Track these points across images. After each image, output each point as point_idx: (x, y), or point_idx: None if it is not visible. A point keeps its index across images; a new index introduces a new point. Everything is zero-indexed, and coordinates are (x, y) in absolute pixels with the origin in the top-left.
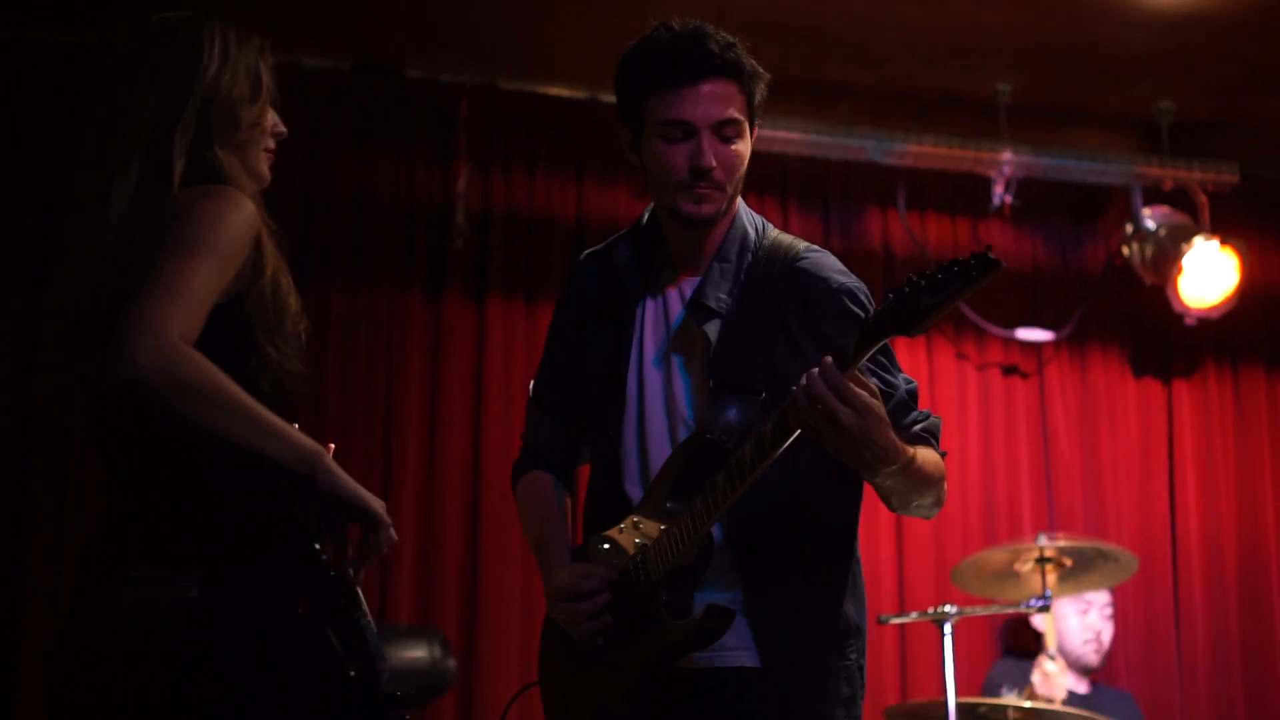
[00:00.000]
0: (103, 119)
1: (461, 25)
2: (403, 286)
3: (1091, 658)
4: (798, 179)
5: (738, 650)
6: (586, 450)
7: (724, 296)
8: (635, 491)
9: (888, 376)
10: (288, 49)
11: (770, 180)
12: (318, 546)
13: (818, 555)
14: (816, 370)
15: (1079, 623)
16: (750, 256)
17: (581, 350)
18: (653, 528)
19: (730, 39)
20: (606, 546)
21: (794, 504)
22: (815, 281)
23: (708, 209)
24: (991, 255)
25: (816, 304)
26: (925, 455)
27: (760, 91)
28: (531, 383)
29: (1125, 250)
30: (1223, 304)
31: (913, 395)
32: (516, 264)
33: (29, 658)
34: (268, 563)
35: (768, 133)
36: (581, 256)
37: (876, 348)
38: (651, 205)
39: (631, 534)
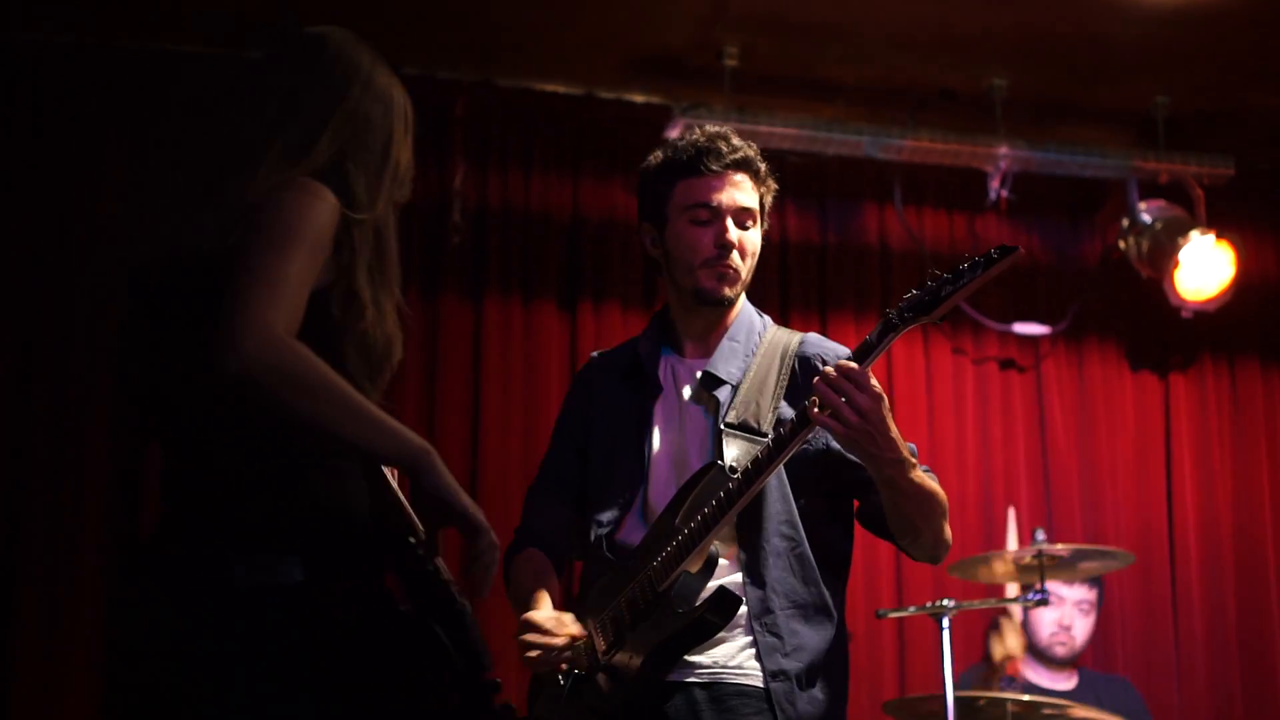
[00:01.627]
0: (236, 107)
1: (457, 22)
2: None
3: (1058, 650)
4: (794, 175)
5: (736, 669)
6: (579, 545)
7: (735, 370)
8: (633, 537)
9: None
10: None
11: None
12: (412, 540)
13: (816, 585)
14: (837, 361)
15: (1049, 616)
16: (758, 339)
17: (594, 431)
18: (660, 543)
19: (749, 143)
20: (616, 576)
21: (797, 535)
22: (823, 352)
23: (726, 288)
24: (1008, 245)
25: (817, 367)
26: (927, 476)
27: (770, 197)
28: (531, 484)
29: (1121, 244)
30: (1219, 297)
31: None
32: (513, 261)
33: (26, 657)
34: (363, 552)
35: (764, 128)
36: (594, 355)
37: (897, 336)
38: (663, 305)
39: (639, 554)
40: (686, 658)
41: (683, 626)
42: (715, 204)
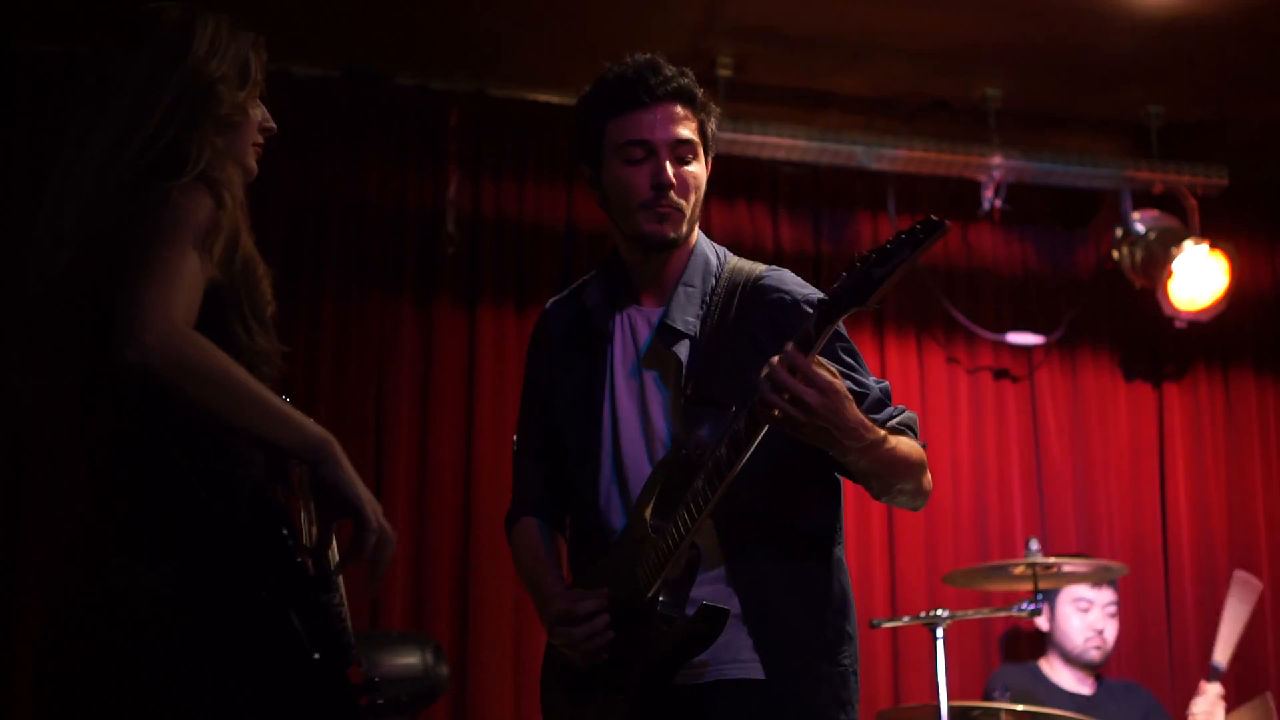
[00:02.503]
0: (82, 99)
1: (451, 32)
2: (393, 294)
3: (1093, 654)
4: (788, 185)
5: (736, 663)
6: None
7: (691, 319)
8: (617, 519)
9: (858, 378)
10: (277, 56)
11: (761, 186)
12: (285, 532)
13: (802, 564)
14: (777, 357)
15: (1080, 621)
16: (714, 281)
17: (556, 393)
18: (639, 548)
19: (683, 68)
20: (598, 575)
21: (776, 515)
22: (780, 295)
23: (669, 229)
24: (935, 218)
25: (782, 316)
26: (901, 440)
27: (712, 122)
28: (514, 438)
29: (1115, 254)
30: (1213, 307)
31: (886, 394)
32: (507, 271)
33: (21, 655)
34: (238, 549)
35: (758, 138)
36: (547, 305)
37: (835, 325)
38: (614, 247)
39: (619, 559)
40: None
41: (675, 642)
42: (649, 140)
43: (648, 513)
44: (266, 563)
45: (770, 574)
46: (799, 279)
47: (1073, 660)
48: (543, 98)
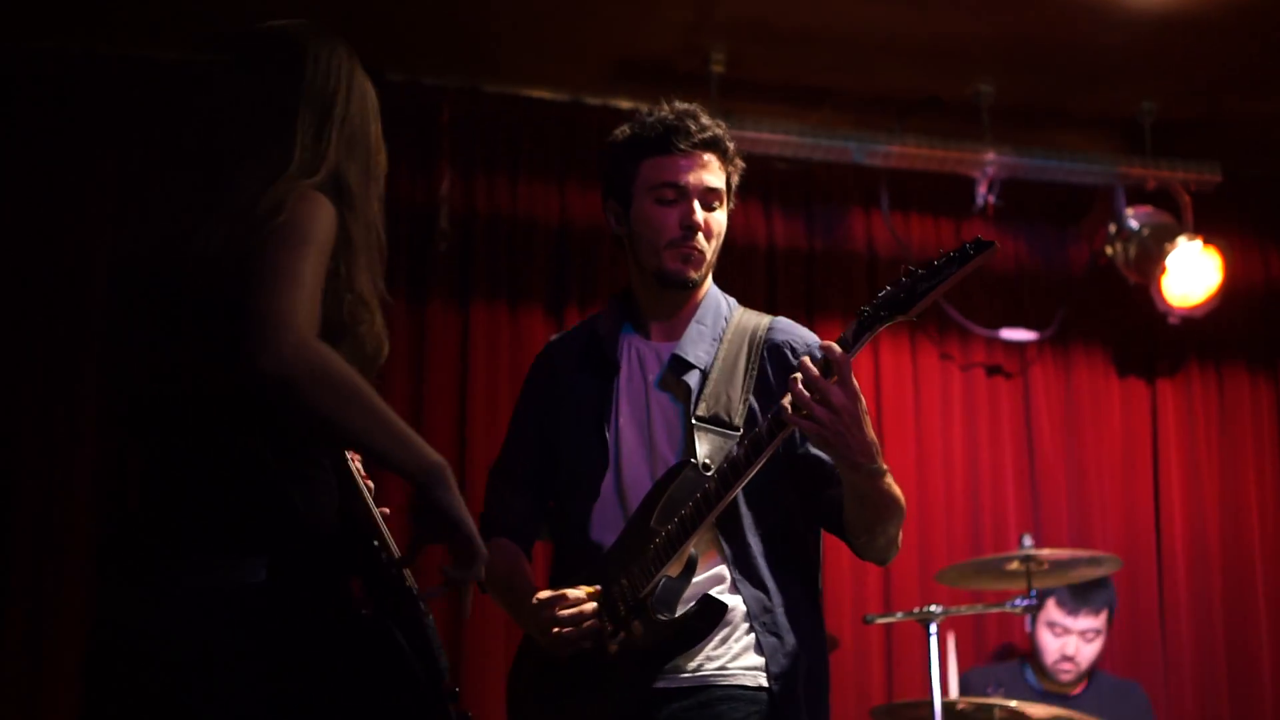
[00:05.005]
0: (198, 112)
1: (443, 29)
2: (387, 291)
3: (1063, 676)
4: (780, 181)
5: (742, 670)
6: (545, 528)
7: (703, 354)
8: (606, 536)
9: None
10: None
11: (753, 183)
12: (375, 544)
13: (802, 585)
14: (809, 356)
15: (1054, 644)
16: (724, 323)
17: (560, 419)
18: (636, 548)
19: (718, 120)
20: (589, 576)
21: (779, 535)
22: (792, 339)
23: (691, 270)
24: (983, 239)
25: (790, 357)
26: (894, 482)
27: (737, 176)
28: (493, 466)
29: (1109, 250)
30: (1206, 303)
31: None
32: (500, 267)
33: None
34: (328, 554)
35: (750, 134)
36: (551, 340)
37: (874, 333)
38: (625, 287)
39: (613, 560)
40: (673, 663)
41: (668, 635)
42: (682, 184)
43: (649, 517)
44: (366, 574)
45: (772, 589)
46: (805, 328)
47: (1046, 674)
48: (535, 94)
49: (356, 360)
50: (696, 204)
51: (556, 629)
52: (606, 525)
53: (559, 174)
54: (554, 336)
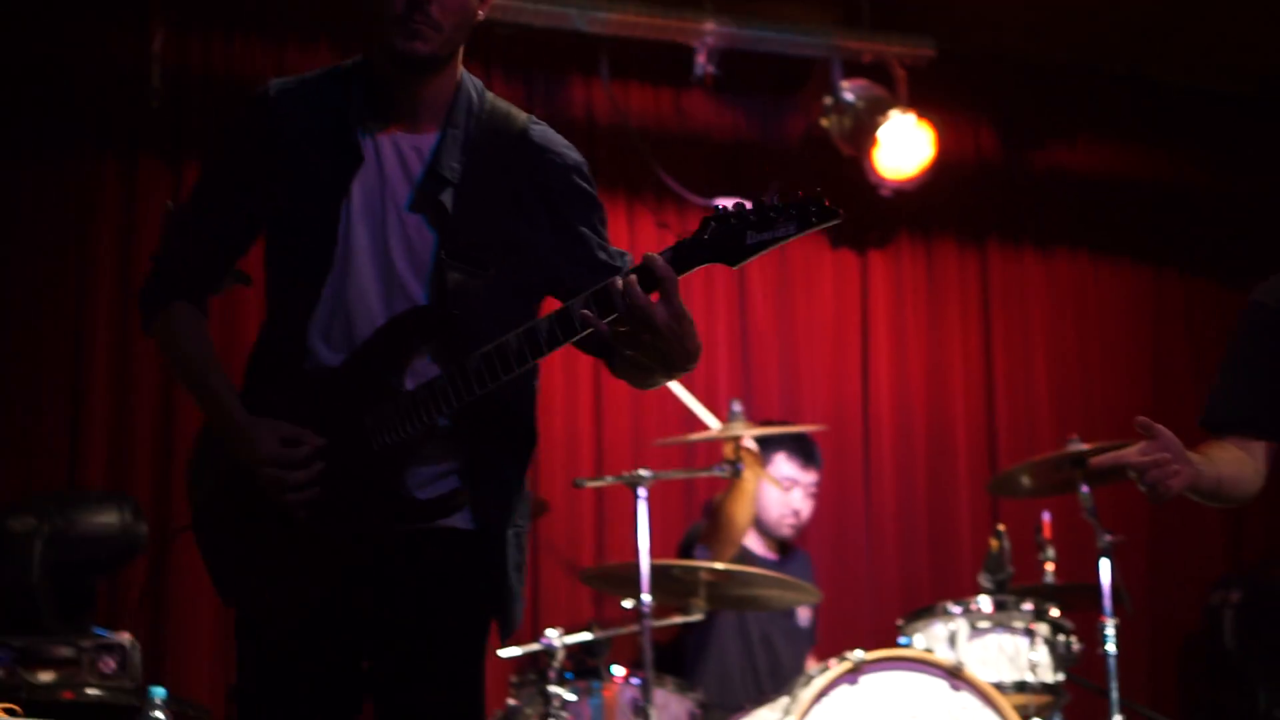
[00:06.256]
0: None
1: None
2: (96, 149)
3: (785, 531)
4: (501, 46)
5: (453, 520)
6: (227, 282)
7: (456, 165)
8: (322, 346)
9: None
10: None
11: (474, 48)
12: None
13: (516, 437)
14: (623, 280)
15: (779, 497)
16: (474, 121)
17: (271, 194)
18: (370, 398)
19: None
20: (304, 412)
21: (509, 390)
22: (550, 156)
23: (421, 47)
24: (831, 205)
25: (549, 179)
26: None
27: None
28: (176, 201)
29: (824, 122)
30: (917, 177)
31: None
32: (214, 126)
33: None
34: None
35: None
36: (271, 86)
37: (689, 272)
38: (366, 57)
39: (335, 402)
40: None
41: (415, 511)
42: None
43: (387, 363)
44: None
45: (490, 437)
46: (564, 139)
47: (764, 531)
48: None
49: None
50: None
51: (296, 490)
52: (322, 336)
53: (276, 32)
54: (276, 80)
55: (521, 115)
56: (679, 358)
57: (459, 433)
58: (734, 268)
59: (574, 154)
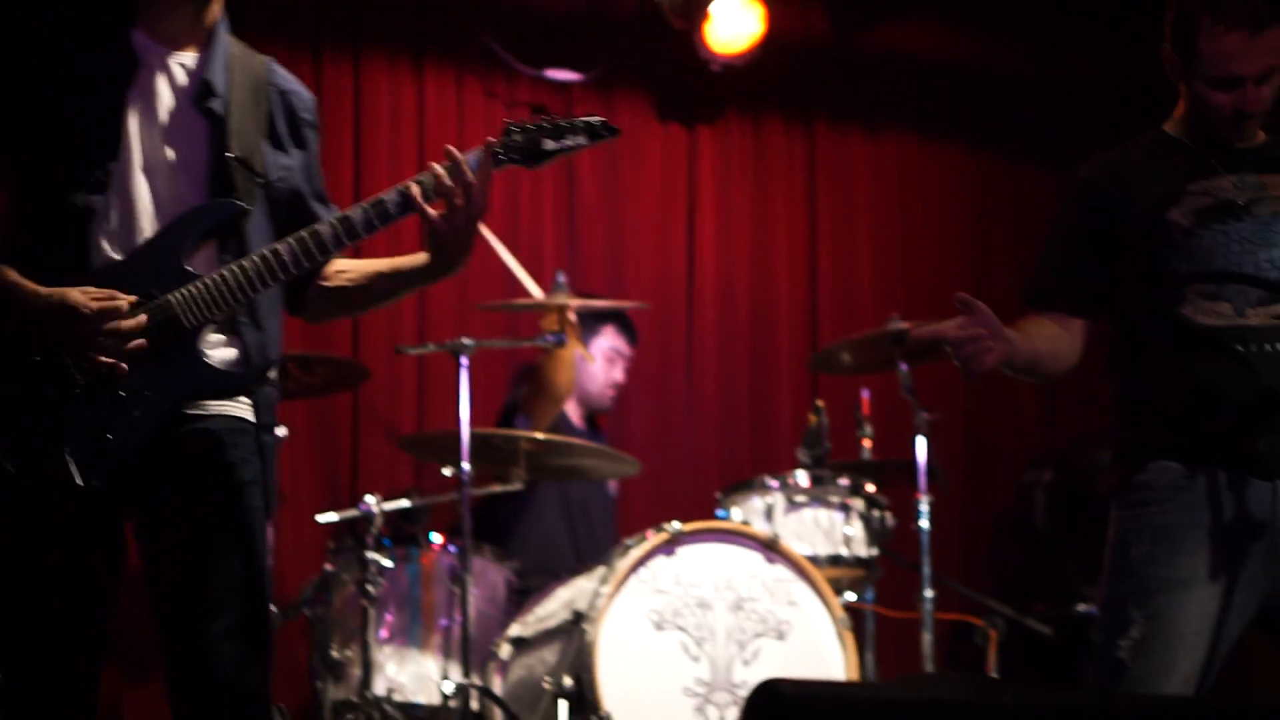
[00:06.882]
0: None
1: None
2: None
3: (606, 402)
4: None
5: (237, 404)
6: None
7: (221, 84)
8: (108, 247)
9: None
10: None
11: None
12: None
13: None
14: (472, 158)
15: (605, 372)
16: (228, 48)
17: (41, 70)
18: (172, 278)
19: None
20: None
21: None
22: (293, 88)
23: None
24: (611, 124)
25: (295, 109)
26: None
27: None
28: None
29: None
30: (747, 53)
31: None
32: None
33: None
34: None
35: None
36: None
37: (493, 169)
38: None
39: (129, 279)
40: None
41: (220, 384)
42: None
43: (181, 248)
44: None
45: (272, 327)
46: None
47: (585, 401)
48: None
49: None
50: None
51: (101, 350)
52: (108, 238)
53: None
54: None
55: (257, 54)
56: (463, 254)
57: (251, 323)
58: (531, 170)
59: (309, 92)
